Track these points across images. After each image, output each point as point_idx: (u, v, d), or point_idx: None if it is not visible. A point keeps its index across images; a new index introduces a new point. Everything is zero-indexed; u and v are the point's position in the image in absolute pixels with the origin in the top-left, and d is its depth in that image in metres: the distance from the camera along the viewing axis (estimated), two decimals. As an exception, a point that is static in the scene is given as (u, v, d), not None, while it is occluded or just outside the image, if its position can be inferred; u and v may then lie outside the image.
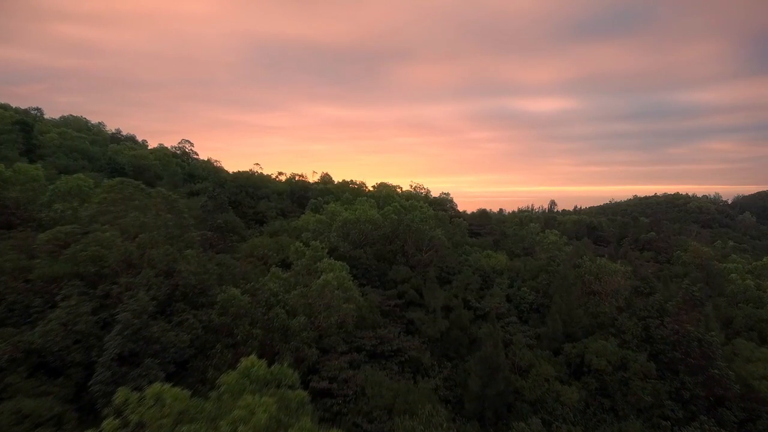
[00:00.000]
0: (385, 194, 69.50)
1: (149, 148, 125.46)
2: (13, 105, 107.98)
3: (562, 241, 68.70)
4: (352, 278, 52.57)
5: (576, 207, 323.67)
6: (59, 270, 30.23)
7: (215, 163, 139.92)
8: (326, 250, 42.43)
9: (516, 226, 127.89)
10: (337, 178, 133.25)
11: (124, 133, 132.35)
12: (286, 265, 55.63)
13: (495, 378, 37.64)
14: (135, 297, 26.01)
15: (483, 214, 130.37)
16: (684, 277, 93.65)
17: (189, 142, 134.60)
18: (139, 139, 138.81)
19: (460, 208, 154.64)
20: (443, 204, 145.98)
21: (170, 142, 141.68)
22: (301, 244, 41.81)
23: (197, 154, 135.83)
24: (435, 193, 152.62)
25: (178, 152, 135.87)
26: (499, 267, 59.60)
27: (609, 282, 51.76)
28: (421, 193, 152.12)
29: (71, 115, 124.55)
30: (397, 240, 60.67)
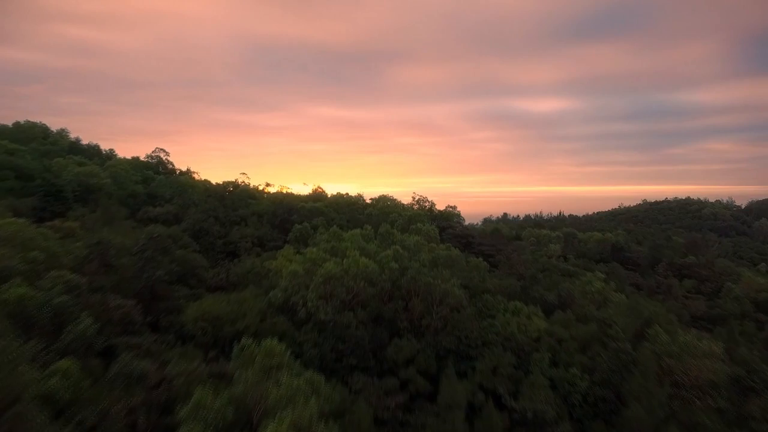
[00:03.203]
0: (384, 231, 54.29)
1: (119, 157, 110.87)
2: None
3: (609, 289, 53.60)
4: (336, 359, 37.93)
5: (586, 214, 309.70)
6: None
7: (194, 175, 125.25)
8: (288, 353, 27.35)
9: (533, 248, 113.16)
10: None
11: (111, 137, 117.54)
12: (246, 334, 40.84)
13: None
14: None
15: (496, 235, 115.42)
16: (743, 319, 78.91)
17: (164, 150, 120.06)
18: (108, 146, 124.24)
19: (461, 209, 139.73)
20: (450, 219, 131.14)
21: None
22: (251, 343, 26.91)
23: (172, 164, 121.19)
24: (438, 201, 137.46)
25: (153, 161, 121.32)
26: (535, 332, 44.55)
27: (696, 368, 36.66)
28: (425, 206, 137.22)
29: (28, 120, 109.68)
30: (399, 297, 45.76)
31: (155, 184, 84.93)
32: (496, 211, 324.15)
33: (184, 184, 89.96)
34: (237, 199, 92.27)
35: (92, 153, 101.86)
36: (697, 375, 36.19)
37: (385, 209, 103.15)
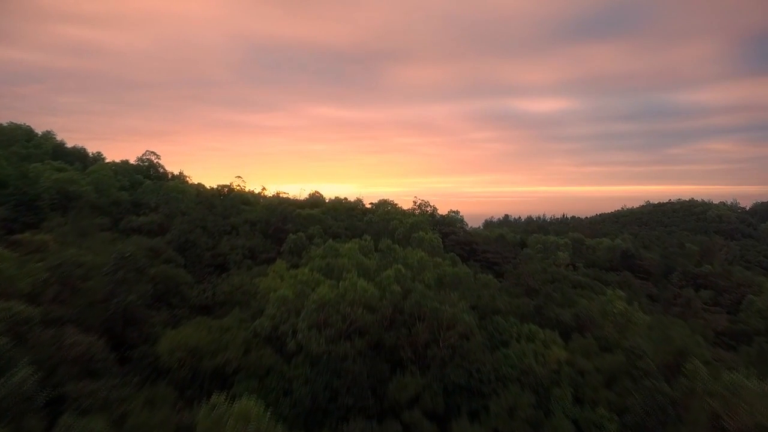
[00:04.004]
0: (385, 247, 49.44)
1: (103, 162, 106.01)
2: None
3: (632, 310, 48.80)
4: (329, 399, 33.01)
5: (588, 215, 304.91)
6: None
7: (187, 179, 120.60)
8: (267, 415, 22.37)
9: (540, 255, 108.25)
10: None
11: (99, 140, 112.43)
12: (223, 377, 35.99)
13: None
14: None
15: (501, 241, 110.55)
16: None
17: (154, 153, 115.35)
18: (108, 146, 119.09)
19: (462, 209, 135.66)
20: (452, 224, 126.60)
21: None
22: (223, 401, 21.98)
23: (163, 168, 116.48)
24: (438, 201, 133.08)
25: (144, 164, 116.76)
26: (554, 363, 39.67)
27: (745, 411, 31.74)
28: (427, 210, 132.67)
29: (12, 122, 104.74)
30: (401, 322, 40.91)
31: (141, 191, 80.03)
32: (496, 212, 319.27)
33: (174, 189, 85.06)
34: (229, 206, 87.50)
35: (78, 156, 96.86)
36: (745, 419, 31.29)
37: (385, 216, 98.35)
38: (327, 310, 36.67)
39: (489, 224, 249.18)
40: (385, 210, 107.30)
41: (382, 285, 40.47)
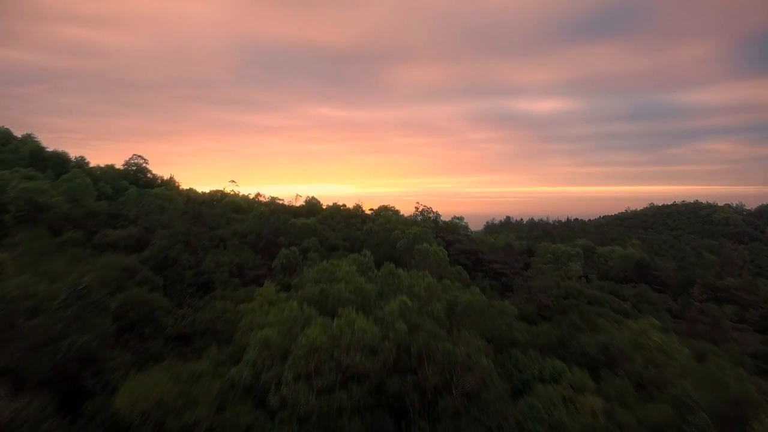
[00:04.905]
0: (387, 271, 43.38)
1: (91, 166, 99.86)
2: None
3: (669, 341, 42.70)
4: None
5: (591, 218, 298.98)
6: None
7: (177, 185, 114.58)
8: None
9: (550, 266, 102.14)
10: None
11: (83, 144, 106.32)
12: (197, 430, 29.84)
13: None
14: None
15: (508, 250, 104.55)
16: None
17: (142, 157, 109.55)
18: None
19: (461, 209, 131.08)
20: (456, 230, 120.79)
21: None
22: None
23: (151, 173, 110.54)
24: (439, 202, 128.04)
25: (132, 169, 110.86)
26: (588, 415, 33.55)
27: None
28: (430, 216, 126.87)
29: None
30: (407, 365, 34.77)
31: (122, 200, 73.86)
32: (496, 212, 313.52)
33: (159, 197, 78.85)
34: (218, 215, 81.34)
35: (57, 162, 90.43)
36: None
37: (386, 224, 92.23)
38: (319, 355, 30.52)
39: (490, 227, 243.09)
40: (386, 218, 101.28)
41: (385, 321, 34.33)
